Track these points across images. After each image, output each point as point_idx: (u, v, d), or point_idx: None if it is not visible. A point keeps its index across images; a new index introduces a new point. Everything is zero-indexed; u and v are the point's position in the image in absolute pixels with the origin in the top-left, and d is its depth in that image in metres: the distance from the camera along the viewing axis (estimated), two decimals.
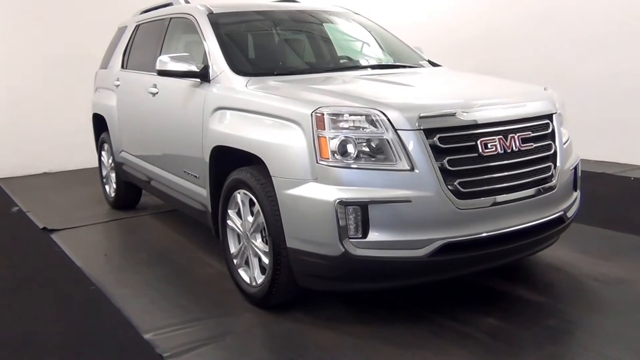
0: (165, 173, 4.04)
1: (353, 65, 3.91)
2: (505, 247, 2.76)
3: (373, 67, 3.74)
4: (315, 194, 2.59)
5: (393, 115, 2.60)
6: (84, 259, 3.94)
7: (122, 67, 4.87)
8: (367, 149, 2.59)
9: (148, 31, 4.64)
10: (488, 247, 2.71)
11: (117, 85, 4.80)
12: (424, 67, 3.94)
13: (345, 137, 2.59)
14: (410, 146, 2.57)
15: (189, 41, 4.22)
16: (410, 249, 2.58)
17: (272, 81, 3.22)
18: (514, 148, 2.77)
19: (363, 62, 3.94)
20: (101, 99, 5.16)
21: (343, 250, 2.55)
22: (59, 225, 4.75)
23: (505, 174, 2.74)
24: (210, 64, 3.47)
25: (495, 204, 2.69)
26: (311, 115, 2.64)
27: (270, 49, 3.93)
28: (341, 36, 4.24)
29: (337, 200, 2.52)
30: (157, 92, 4.01)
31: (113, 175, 5.15)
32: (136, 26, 4.89)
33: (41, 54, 6.99)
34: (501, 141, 2.74)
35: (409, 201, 2.54)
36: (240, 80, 3.25)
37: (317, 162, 2.60)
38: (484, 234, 2.66)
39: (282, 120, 2.78)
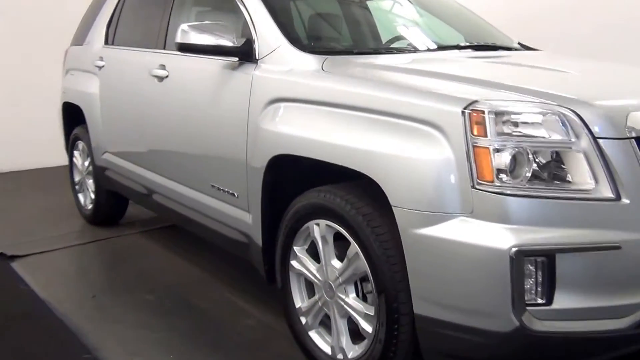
0: (177, 186, 2.99)
1: (448, 45, 2.88)
2: None
3: (474, 47, 2.78)
4: (471, 236, 1.67)
5: (590, 115, 1.71)
6: (66, 304, 2.86)
7: (107, 42, 3.75)
8: (548, 168, 1.69)
9: None
10: None
11: (100, 67, 3.67)
12: (518, 50, 3.05)
13: (518, 147, 1.68)
14: (616, 163, 1.69)
15: (203, 10, 3.21)
16: (610, 317, 1.71)
17: (363, 62, 2.25)
18: None
19: (457, 42, 2.94)
20: (76, 84, 4.01)
21: (517, 324, 1.65)
22: (22, 250, 3.59)
23: None
24: (255, 37, 2.47)
25: None
26: (463, 114, 1.70)
27: (338, 20, 2.92)
28: (418, 9, 3.27)
29: (515, 249, 1.61)
30: (166, 76, 2.95)
31: (91, 181, 4.03)
32: None
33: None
34: None
35: (618, 247, 1.66)
36: (310, 61, 2.27)
37: (474, 187, 1.68)
38: None
39: (406, 122, 1.83)
